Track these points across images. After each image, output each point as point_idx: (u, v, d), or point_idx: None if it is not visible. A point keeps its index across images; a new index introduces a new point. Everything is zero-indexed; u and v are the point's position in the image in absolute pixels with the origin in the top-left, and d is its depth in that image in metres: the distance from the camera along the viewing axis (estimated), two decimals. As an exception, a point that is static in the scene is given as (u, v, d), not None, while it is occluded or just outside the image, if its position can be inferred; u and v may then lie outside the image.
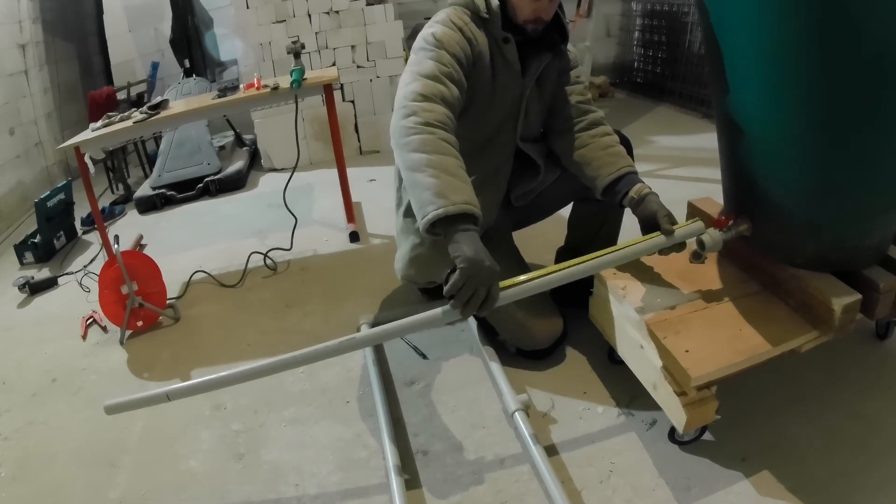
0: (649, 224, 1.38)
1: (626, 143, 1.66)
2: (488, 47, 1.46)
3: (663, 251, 1.34)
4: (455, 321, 1.21)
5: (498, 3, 1.44)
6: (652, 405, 1.35)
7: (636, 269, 1.50)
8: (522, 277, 1.20)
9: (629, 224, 1.68)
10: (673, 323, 1.30)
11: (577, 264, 1.24)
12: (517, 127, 1.57)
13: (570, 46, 1.61)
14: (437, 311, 1.15)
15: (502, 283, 1.16)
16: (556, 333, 1.66)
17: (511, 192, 1.70)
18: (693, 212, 1.63)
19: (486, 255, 1.11)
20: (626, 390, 1.52)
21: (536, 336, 1.64)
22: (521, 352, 1.69)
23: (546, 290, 1.26)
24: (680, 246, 1.34)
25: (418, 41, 1.42)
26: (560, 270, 1.22)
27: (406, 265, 1.67)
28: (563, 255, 1.88)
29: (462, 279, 1.08)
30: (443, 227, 1.14)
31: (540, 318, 1.64)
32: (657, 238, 1.32)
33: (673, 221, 1.33)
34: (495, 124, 1.55)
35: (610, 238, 1.78)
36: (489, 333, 1.74)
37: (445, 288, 1.10)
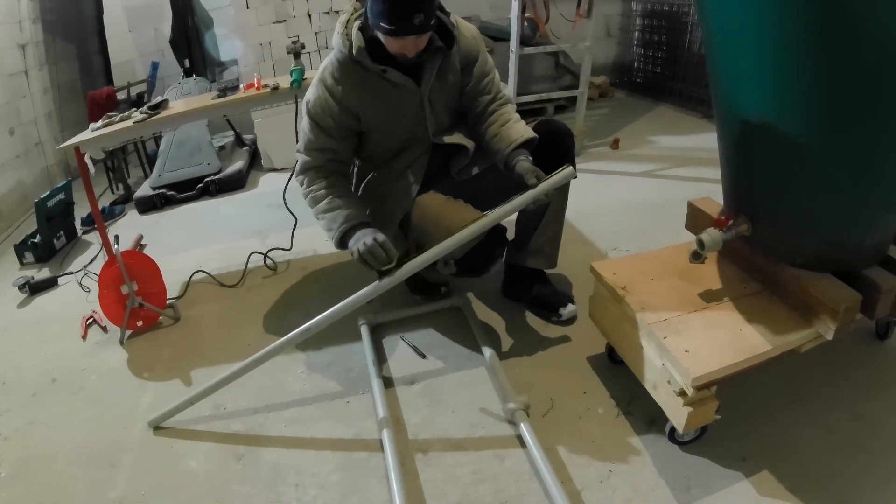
0: (523, 183, 1.53)
1: (565, 135, 1.73)
2: (371, 79, 1.57)
3: (538, 201, 1.49)
4: (385, 282, 1.47)
5: (363, 43, 1.51)
6: (652, 405, 1.35)
7: (636, 269, 1.50)
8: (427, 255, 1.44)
9: (620, 225, 1.68)
10: (673, 323, 1.30)
11: (471, 224, 1.44)
12: (428, 127, 1.67)
13: (465, 32, 1.64)
14: (372, 284, 1.48)
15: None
16: (472, 213, 1.59)
17: (452, 170, 1.76)
18: (693, 212, 1.63)
19: (362, 236, 1.49)
20: (626, 390, 1.52)
21: (449, 223, 1.56)
22: (461, 268, 1.67)
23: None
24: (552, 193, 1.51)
25: (306, 102, 1.64)
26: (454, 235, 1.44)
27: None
28: (512, 248, 1.90)
29: (360, 260, 1.48)
30: (344, 244, 1.56)
31: (448, 210, 1.66)
32: (528, 192, 1.48)
33: (539, 176, 1.51)
34: (405, 133, 1.67)
35: (556, 225, 1.83)
36: (424, 285, 1.93)
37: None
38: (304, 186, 1.65)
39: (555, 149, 1.70)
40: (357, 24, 1.55)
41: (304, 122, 1.64)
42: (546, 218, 1.81)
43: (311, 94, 1.62)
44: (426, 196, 1.70)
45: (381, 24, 1.42)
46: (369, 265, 1.49)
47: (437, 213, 1.65)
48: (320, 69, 1.63)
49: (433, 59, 1.58)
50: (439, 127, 1.71)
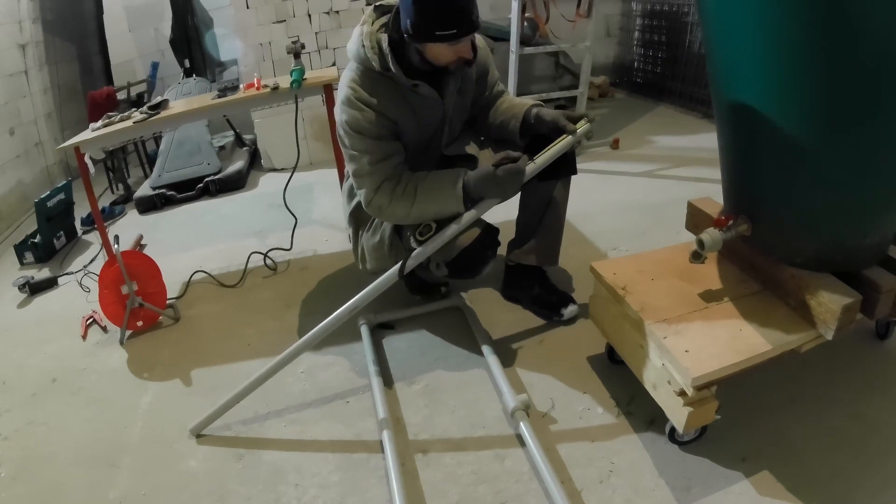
0: (554, 129, 1.56)
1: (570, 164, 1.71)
2: (400, 92, 1.53)
3: (576, 146, 1.55)
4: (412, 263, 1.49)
5: (394, 62, 1.47)
6: (652, 405, 1.35)
7: (636, 269, 1.50)
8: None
9: (622, 224, 1.68)
10: (673, 323, 1.30)
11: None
12: (442, 140, 1.67)
13: (478, 42, 1.61)
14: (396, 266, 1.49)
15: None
16: (472, 235, 1.54)
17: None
18: (693, 212, 1.63)
19: (486, 168, 1.46)
20: (626, 390, 1.52)
21: (457, 241, 1.54)
22: (452, 270, 1.60)
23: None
24: (585, 136, 1.54)
25: (339, 130, 1.57)
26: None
27: (369, 258, 1.77)
28: (512, 246, 1.91)
29: (499, 185, 1.45)
30: (468, 199, 1.49)
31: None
32: (566, 139, 1.51)
33: (570, 116, 1.55)
34: (421, 146, 1.66)
35: (557, 223, 1.83)
36: (420, 283, 1.95)
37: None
38: (388, 199, 1.53)
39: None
40: (385, 36, 1.49)
41: (354, 143, 1.55)
42: (547, 215, 1.80)
43: (343, 115, 1.54)
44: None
45: (437, 31, 1.37)
46: (514, 175, 1.45)
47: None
48: (343, 90, 1.55)
49: (457, 72, 1.56)
50: (450, 139, 1.73)
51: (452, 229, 1.48)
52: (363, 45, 1.50)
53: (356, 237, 1.81)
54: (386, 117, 1.53)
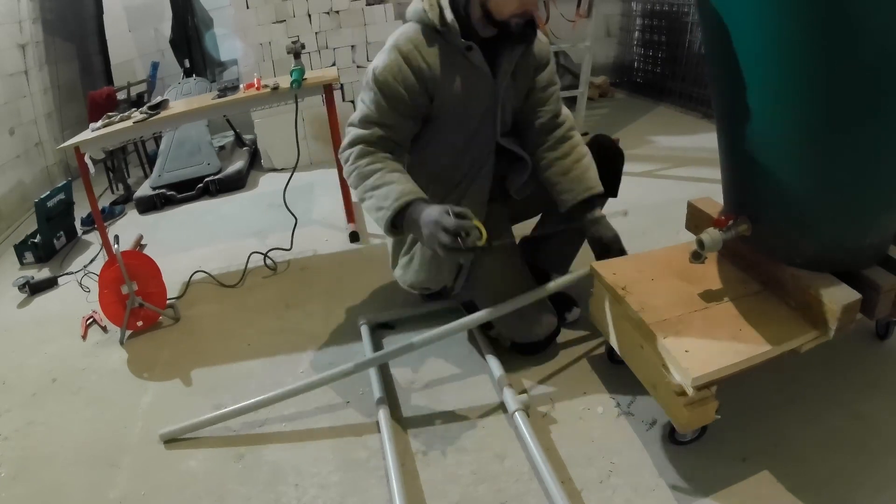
0: (600, 249, 1.61)
1: (617, 156, 1.70)
2: (451, 57, 1.46)
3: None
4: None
5: (452, 15, 1.41)
6: (652, 405, 1.35)
7: (636, 269, 1.50)
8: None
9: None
10: (673, 323, 1.30)
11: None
12: (496, 124, 1.57)
13: (542, 39, 1.58)
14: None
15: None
16: (550, 327, 1.67)
17: (510, 187, 1.71)
18: (693, 212, 1.63)
19: (438, 207, 1.28)
20: (626, 390, 1.52)
21: (533, 328, 1.64)
22: (516, 346, 1.69)
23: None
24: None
25: (366, 74, 1.48)
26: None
27: (404, 273, 1.73)
28: (524, 243, 1.90)
29: (431, 240, 1.27)
30: (398, 227, 1.38)
31: (537, 312, 1.65)
32: (571, 276, 1.58)
33: (605, 241, 1.59)
34: (474, 125, 1.56)
35: (578, 238, 1.81)
36: (483, 325, 1.76)
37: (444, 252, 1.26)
38: (350, 162, 1.45)
39: (605, 168, 1.67)
40: None
41: (366, 93, 1.48)
42: (574, 224, 1.76)
43: (380, 60, 1.45)
44: (488, 263, 1.60)
45: None
46: (455, 247, 1.23)
47: (493, 273, 1.62)
48: (393, 37, 1.47)
49: (512, 50, 1.49)
50: (504, 129, 1.61)
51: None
52: (422, 4, 1.44)
53: (400, 245, 1.73)
54: (421, 82, 1.44)
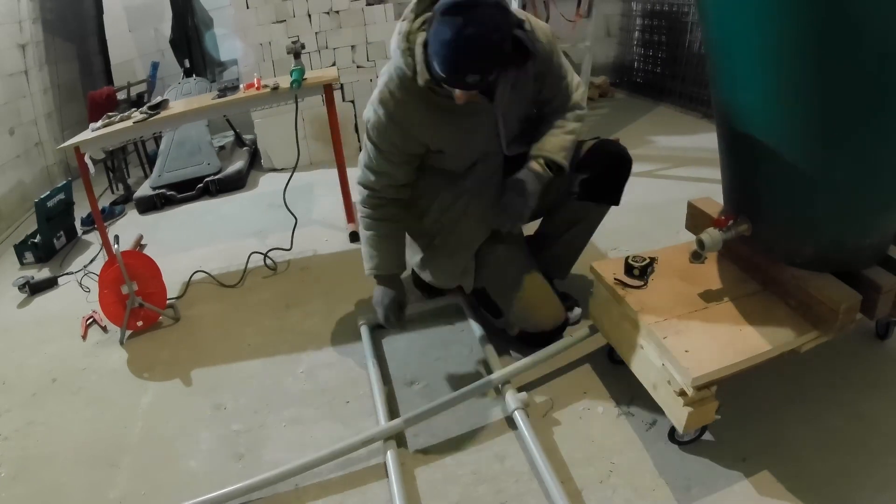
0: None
1: (625, 164, 1.65)
2: (441, 100, 1.38)
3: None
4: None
5: (428, 75, 1.29)
6: (652, 405, 1.35)
7: (636, 269, 1.50)
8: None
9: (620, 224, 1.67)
10: (673, 323, 1.30)
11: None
12: (501, 141, 1.54)
13: (541, 37, 1.43)
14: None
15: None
16: (559, 318, 1.68)
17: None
18: (693, 212, 1.63)
19: (382, 295, 1.60)
20: (626, 390, 1.51)
21: (542, 318, 1.66)
22: (523, 336, 1.70)
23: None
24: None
25: (365, 122, 1.53)
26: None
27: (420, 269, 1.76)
28: (531, 240, 1.87)
29: (375, 303, 1.62)
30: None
31: (546, 301, 1.66)
32: (569, 342, 1.62)
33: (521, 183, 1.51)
34: (478, 149, 1.55)
35: (579, 242, 1.82)
36: (492, 314, 1.83)
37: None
38: (360, 203, 1.63)
39: (610, 174, 1.65)
40: (421, 37, 1.29)
41: (365, 140, 1.54)
42: (572, 231, 1.77)
43: (369, 113, 1.48)
44: (500, 250, 1.63)
45: (436, 65, 1.24)
46: (383, 322, 1.63)
47: (507, 272, 1.65)
48: (380, 84, 1.45)
49: (507, 75, 1.40)
50: (510, 137, 1.56)
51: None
52: (397, 47, 1.35)
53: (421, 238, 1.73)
54: (410, 136, 1.45)
